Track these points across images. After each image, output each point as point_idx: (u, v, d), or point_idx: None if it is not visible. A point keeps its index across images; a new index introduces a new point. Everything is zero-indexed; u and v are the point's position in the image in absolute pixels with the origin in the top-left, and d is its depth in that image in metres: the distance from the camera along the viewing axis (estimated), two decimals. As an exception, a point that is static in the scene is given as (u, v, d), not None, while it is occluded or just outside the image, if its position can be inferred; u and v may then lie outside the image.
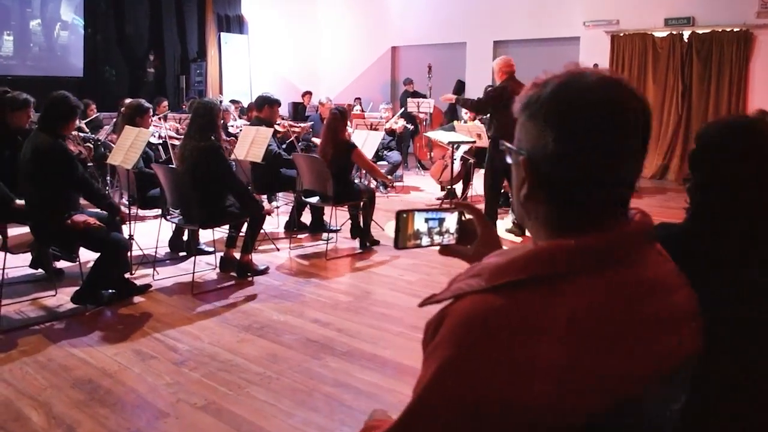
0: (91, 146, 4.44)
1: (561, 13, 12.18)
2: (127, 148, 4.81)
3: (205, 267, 5.17)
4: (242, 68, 13.49)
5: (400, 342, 3.74)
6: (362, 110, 10.70)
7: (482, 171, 9.63)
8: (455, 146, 7.96)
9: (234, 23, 13.78)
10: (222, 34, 13.23)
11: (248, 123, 6.88)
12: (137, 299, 4.43)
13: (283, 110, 9.73)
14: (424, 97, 11.49)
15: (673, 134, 11.19)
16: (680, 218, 1.55)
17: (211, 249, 5.55)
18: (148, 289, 4.57)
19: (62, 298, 4.42)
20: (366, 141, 6.36)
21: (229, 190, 4.72)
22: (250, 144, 5.56)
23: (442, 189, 8.55)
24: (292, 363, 3.43)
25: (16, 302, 4.30)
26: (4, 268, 4.04)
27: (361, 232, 5.95)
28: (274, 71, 13.89)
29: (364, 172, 7.30)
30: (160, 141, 5.80)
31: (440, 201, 8.35)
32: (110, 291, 4.33)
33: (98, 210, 4.41)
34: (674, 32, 11.00)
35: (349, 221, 6.20)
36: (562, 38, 12.23)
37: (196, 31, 13.66)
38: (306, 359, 3.48)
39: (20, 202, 4.17)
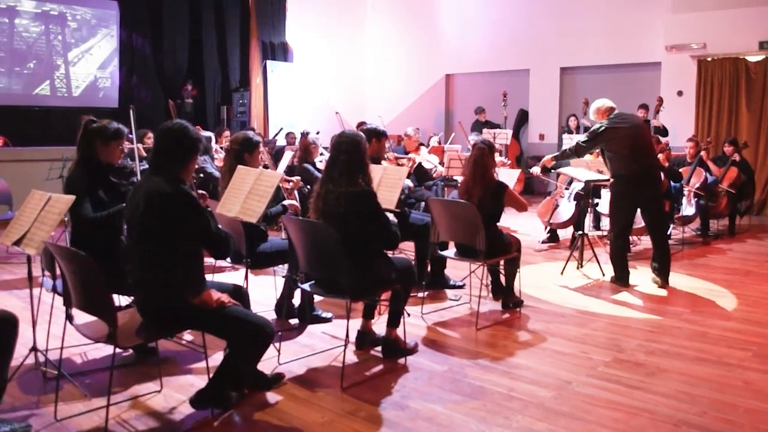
0: (206, 193, 3.36)
1: (639, 37, 11.24)
2: (245, 195, 3.75)
3: (330, 341, 4.08)
4: (287, 98, 12.53)
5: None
6: (440, 142, 9.66)
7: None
8: (568, 184, 7.00)
9: (279, 51, 12.88)
10: (268, 62, 12.30)
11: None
12: (271, 397, 3.32)
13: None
14: (498, 127, 10.50)
15: (773, 166, 10.18)
16: None
17: (328, 315, 4.49)
18: (282, 381, 3.46)
19: (170, 396, 3.32)
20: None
21: (387, 247, 3.67)
22: (377, 187, 4.48)
23: (548, 231, 7.49)
24: None
25: (114, 404, 3.19)
26: (112, 367, 2.94)
27: (504, 290, 4.88)
28: (321, 101, 12.92)
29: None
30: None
31: (545, 244, 7.31)
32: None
33: (220, 281, 3.34)
34: (771, 56, 10.07)
35: (474, 275, 5.13)
36: (641, 64, 11.28)
37: (238, 59, 12.79)
38: None
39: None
